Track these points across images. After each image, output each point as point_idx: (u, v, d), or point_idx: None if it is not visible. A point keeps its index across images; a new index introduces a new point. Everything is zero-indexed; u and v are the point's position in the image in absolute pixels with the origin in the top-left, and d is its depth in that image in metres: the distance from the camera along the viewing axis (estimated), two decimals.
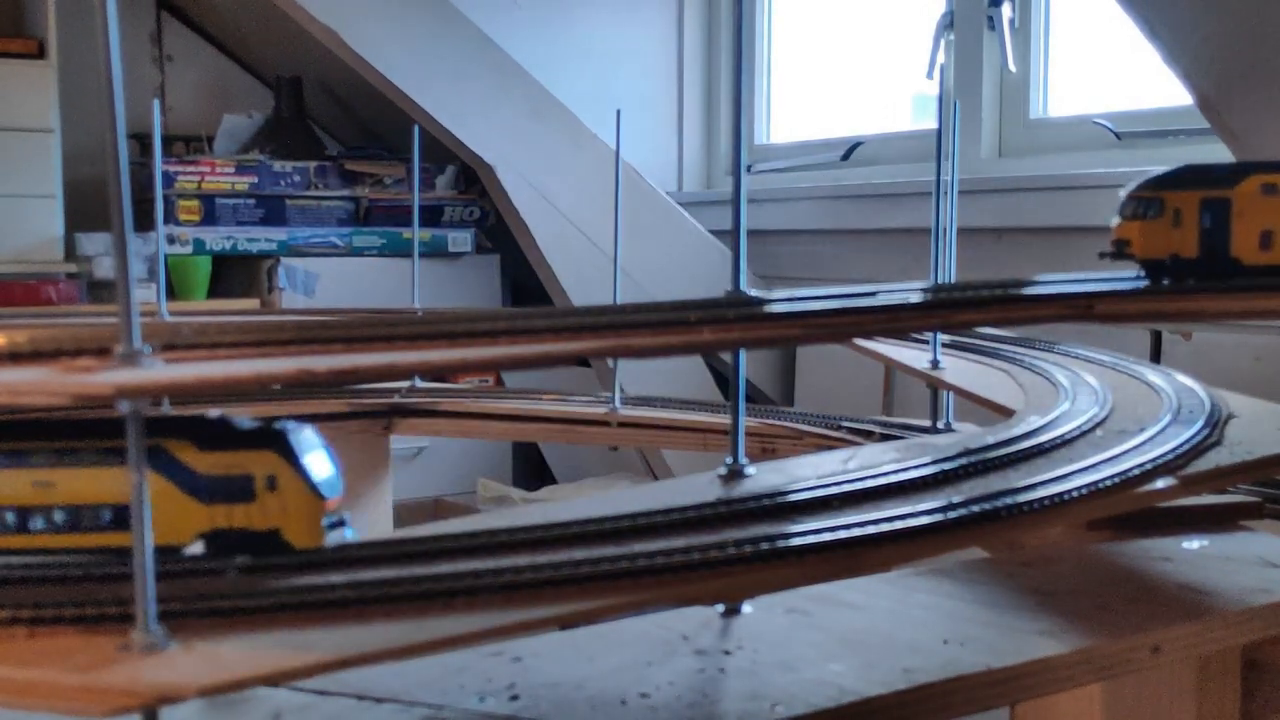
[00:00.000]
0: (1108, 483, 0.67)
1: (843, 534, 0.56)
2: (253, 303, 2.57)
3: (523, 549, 0.53)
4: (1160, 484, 0.70)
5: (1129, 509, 0.75)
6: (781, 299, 0.59)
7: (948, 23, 2.22)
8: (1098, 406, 0.83)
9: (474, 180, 2.62)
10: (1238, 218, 0.68)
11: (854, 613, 0.65)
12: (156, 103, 1.37)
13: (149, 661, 0.44)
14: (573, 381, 2.49)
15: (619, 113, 1.32)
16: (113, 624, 0.46)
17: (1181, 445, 0.75)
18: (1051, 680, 0.60)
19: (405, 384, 1.46)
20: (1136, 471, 0.69)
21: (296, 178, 2.61)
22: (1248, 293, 0.68)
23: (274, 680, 0.44)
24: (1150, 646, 0.63)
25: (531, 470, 2.83)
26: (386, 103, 2.45)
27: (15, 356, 0.46)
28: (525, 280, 2.69)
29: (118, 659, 0.44)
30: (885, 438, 1.13)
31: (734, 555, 0.53)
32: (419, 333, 0.51)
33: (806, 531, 0.56)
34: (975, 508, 0.61)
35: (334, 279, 2.58)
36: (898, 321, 0.60)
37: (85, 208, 2.61)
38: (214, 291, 2.60)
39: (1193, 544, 0.77)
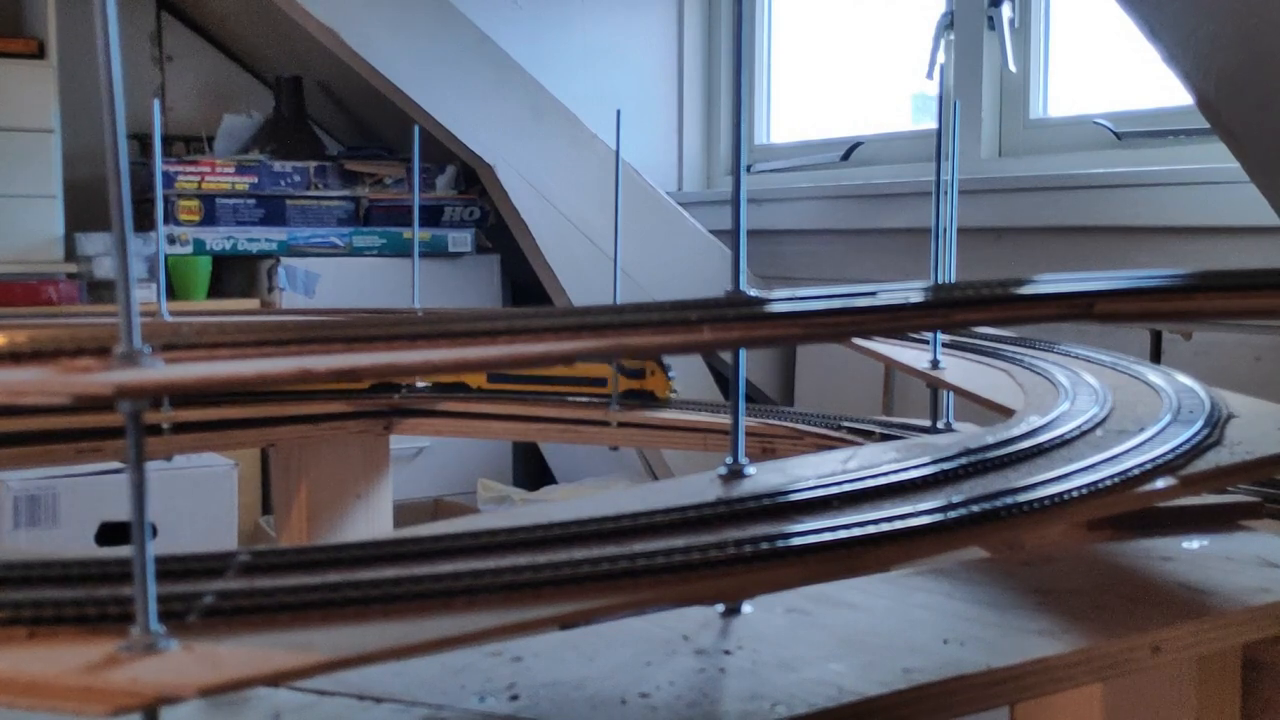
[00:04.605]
0: (1108, 483, 0.67)
1: (843, 534, 0.56)
2: (253, 303, 2.57)
3: (523, 549, 0.53)
4: (1160, 484, 0.70)
5: (1129, 509, 0.75)
6: (781, 299, 0.58)
7: (948, 23, 2.22)
8: (1098, 406, 0.83)
9: (474, 180, 2.62)
10: None
11: (854, 613, 0.65)
12: (156, 103, 1.37)
13: (149, 661, 0.44)
14: None
15: (619, 113, 1.32)
16: (113, 624, 0.46)
17: (1181, 445, 0.75)
18: (1051, 680, 0.60)
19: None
20: (1136, 471, 0.69)
21: (296, 178, 2.61)
22: (1248, 292, 0.68)
23: (274, 680, 0.44)
24: (1150, 646, 0.63)
25: (531, 470, 2.83)
26: (386, 103, 2.45)
27: (15, 356, 0.46)
28: (525, 280, 2.69)
29: (118, 659, 0.44)
30: (885, 438, 1.13)
31: (734, 555, 0.53)
32: (419, 333, 0.51)
33: (806, 531, 0.56)
34: (975, 508, 0.61)
35: (334, 279, 2.58)
36: (898, 321, 0.60)
37: (85, 208, 2.61)
38: (214, 291, 2.60)
39: (1193, 544, 0.77)
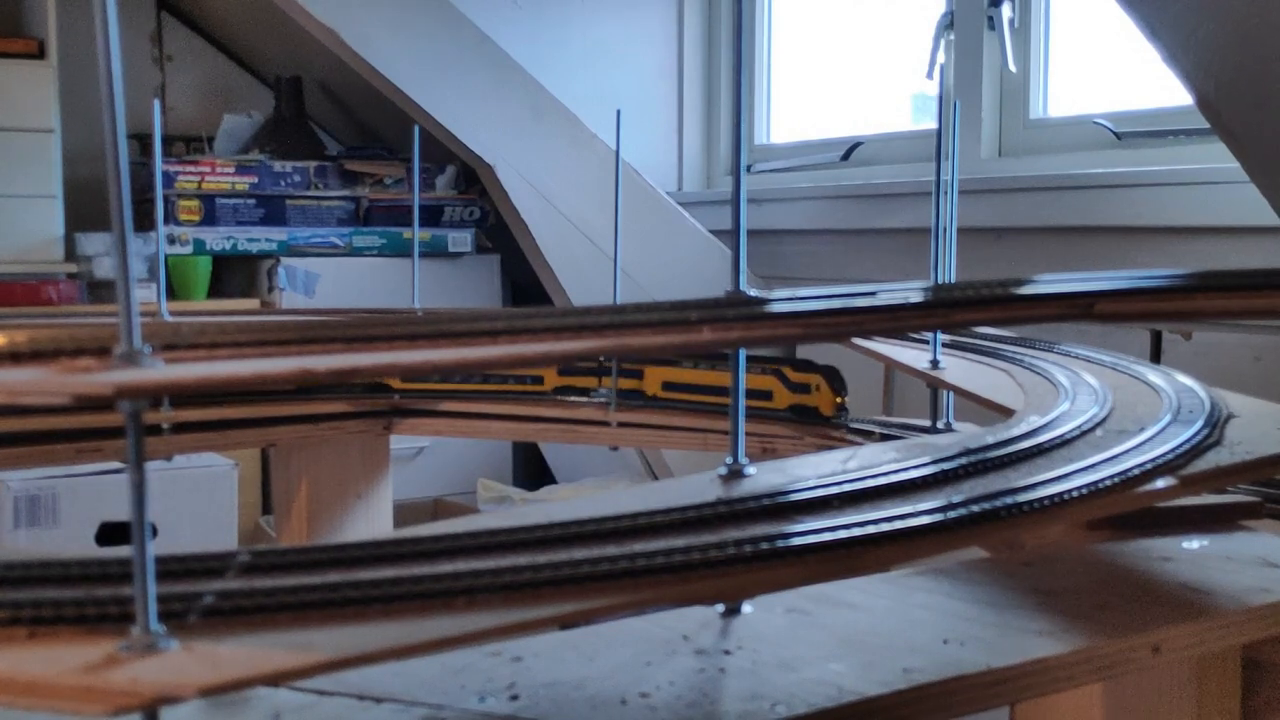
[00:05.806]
0: (1108, 483, 0.67)
1: (843, 534, 0.56)
2: (253, 303, 2.57)
3: (523, 549, 0.53)
4: (1160, 484, 0.70)
5: (1129, 509, 0.75)
6: (781, 299, 0.58)
7: (948, 23, 2.22)
8: (1098, 406, 0.83)
9: (474, 180, 2.62)
10: None
11: (854, 613, 0.65)
12: (156, 103, 1.37)
13: (149, 661, 0.44)
14: None
15: (619, 113, 1.32)
16: (113, 624, 0.46)
17: (1181, 445, 0.75)
18: (1051, 680, 0.60)
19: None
20: (1136, 471, 0.69)
21: (296, 178, 2.61)
22: (1248, 292, 0.68)
23: (274, 680, 0.44)
24: (1150, 646, 0.63)
25: (531, 470, 2.83)
26: (386, 103, 2.45)
27: (15, 356, 0.46)
28: (525, 280, 2.69)
29: (118, 659, 0.44)
30: (885, 438, 1.13)
31: (734, 555, 0.53)
32: (419, 333, 0.51)
33: (806, 531, 0.56)
34: (975, 508, 0.61)
35: (334, 279, 2.58)
36: (898, 321, 0.60)
37: (85, 208, 2.61)
38: (214, 291, 2.60)
39: (1193, 544, 0.77)
